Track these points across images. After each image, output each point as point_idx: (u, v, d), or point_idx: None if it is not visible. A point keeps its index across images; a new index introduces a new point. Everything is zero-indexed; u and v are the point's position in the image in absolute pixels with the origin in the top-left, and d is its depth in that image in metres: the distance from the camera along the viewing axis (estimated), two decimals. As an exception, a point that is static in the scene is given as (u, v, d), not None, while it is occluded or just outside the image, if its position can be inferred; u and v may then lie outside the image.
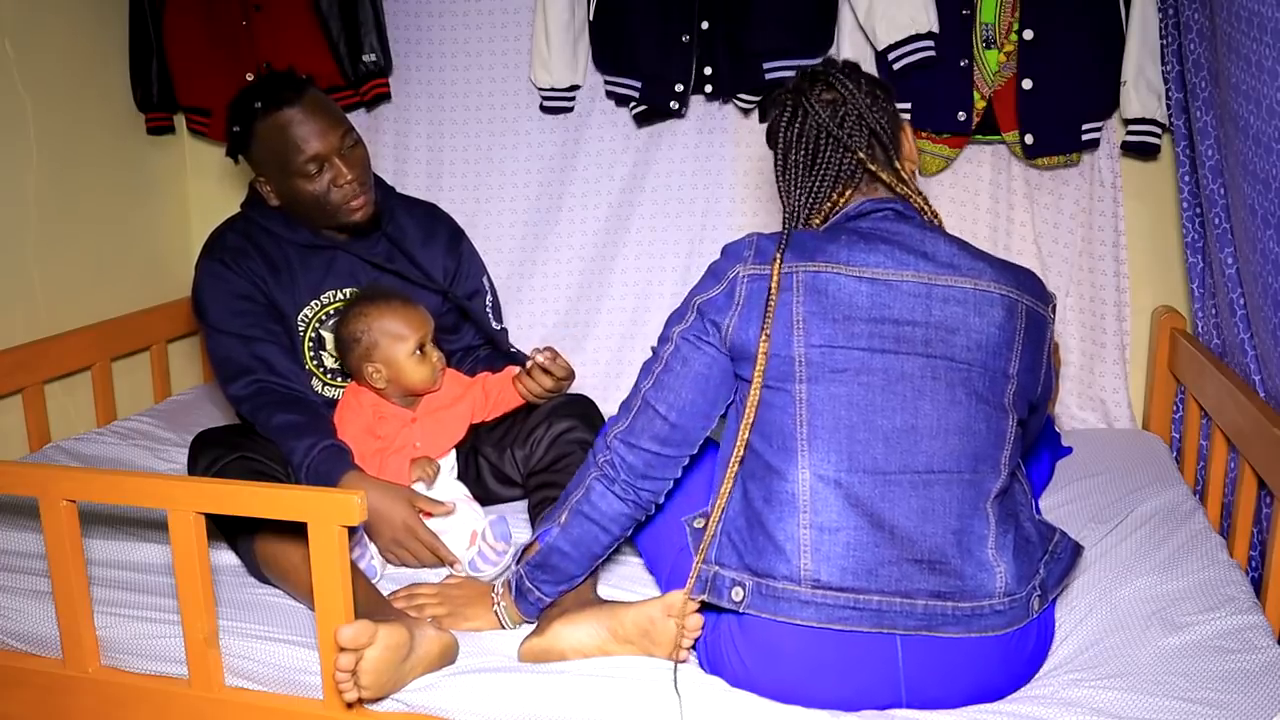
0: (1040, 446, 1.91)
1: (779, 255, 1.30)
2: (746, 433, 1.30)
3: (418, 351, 1.72)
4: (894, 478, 1.26)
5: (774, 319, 1.29)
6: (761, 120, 1.50)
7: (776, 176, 1.42)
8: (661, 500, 1.42)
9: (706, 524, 1.37)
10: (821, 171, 1.38)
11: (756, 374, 1.28)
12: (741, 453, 1.31)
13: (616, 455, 1.38)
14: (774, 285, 1.29)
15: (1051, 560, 1.32)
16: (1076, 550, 1.37)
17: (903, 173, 1.40)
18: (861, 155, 1.36)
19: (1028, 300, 1.32)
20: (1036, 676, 1.32)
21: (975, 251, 1.33)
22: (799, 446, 1.27)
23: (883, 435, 1.26)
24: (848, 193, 1.39)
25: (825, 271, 1.29)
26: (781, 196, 1.42)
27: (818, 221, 1.41)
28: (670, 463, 1.39)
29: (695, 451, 1.40)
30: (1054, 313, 1.38)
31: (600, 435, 1.43)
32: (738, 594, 1.27)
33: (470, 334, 1.99)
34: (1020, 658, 1.29)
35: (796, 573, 1.24)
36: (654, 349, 1.40)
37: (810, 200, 1.39)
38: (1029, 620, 1.27)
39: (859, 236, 1.32)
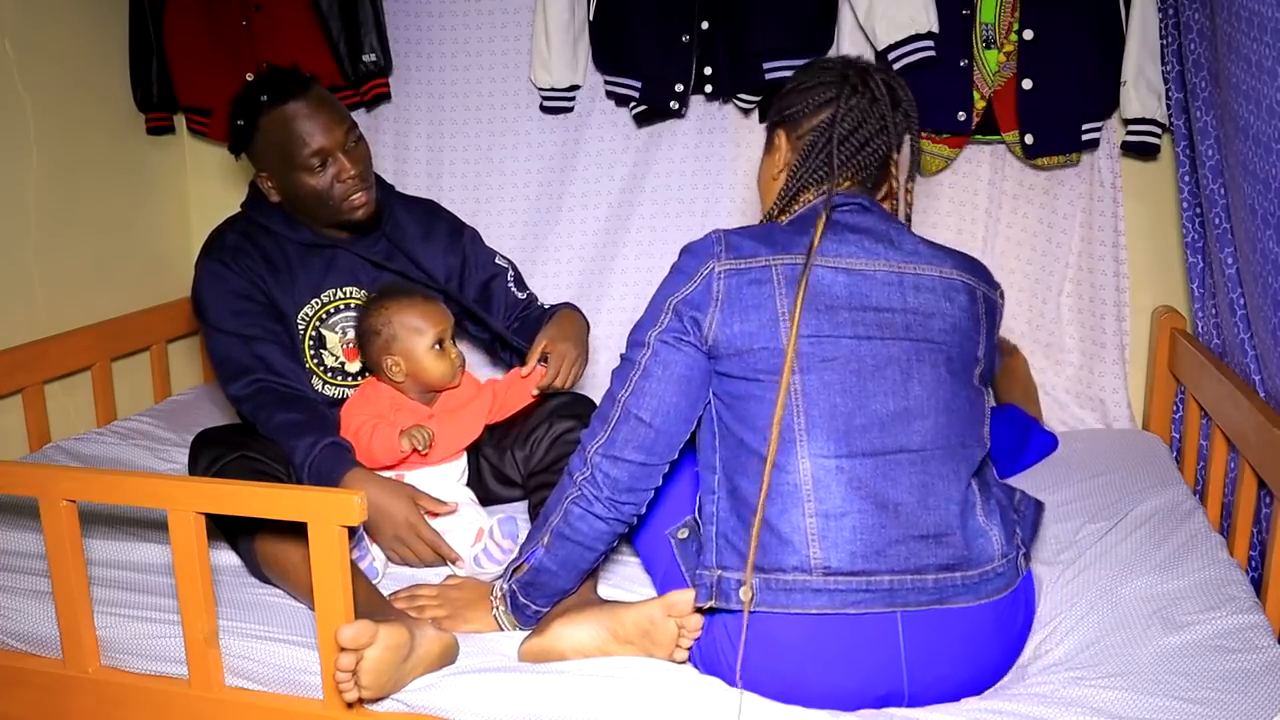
0: (1013, 424, 2.00)
1: (813, 244, 1.30)
2: (777, 427, 1.27)
3: (437, 346, 1.73)
4: (893, 458, 1.27)
5: (759, 313, 1.29)
6: (784, 89, 1.46)
7: (810, 134, 1.38)
8: (643, 512, 1.41)
9: (690, 534, 1.38)
10: (862, 157, 1.37)
11: (786, 369, 1.27)
12: (775, 448, 1.27)
13: (599, 471, 1.35)
14: (805, 276, 1.29)
15: (1020, 519, 1.38)
16: (1039, 506, 1.42)
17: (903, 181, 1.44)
18: (895, 155, 1.39)
19: (983, 287, 1.39)
20: (1036, 674, 1.32)
21: (931, 243, 1.38)
22: (797, 436, 1.27)
23: (878, 419, 1.28)
24: (846, 184, 1.39)
25: (802, 263, 1.30)
26: (802, 153, 1.39)
27: (797, 205, 1.41)
28: (653, 472, 1.37)
29: (674, 458, 1.38)
30: (1003, 299, 1.44)
31: (577, 452, 1.40)
32: (745, 594, 1.26)
33: (499, 320, 1.98)
34: (1012, 628, 1.32)
35: (806, 562, 1.25)
36: (625, 356, 1.38)
37: (820, 180, 1.37)
38: (1019, 580, 1.32)
39: (828, 227, 1.34)
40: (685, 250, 1.36)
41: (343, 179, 1.73)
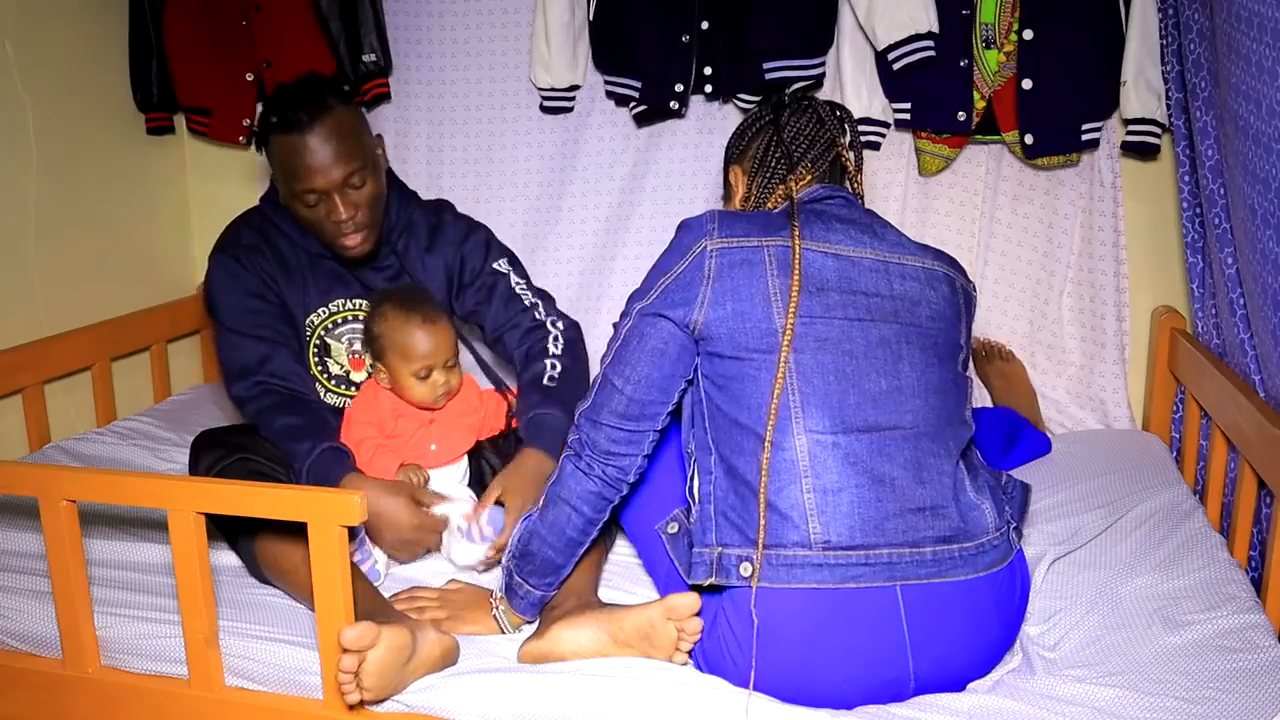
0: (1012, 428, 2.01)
1: (795, 225, 1.35)
2: (776, 403, 1.29)
3: (424, 374, 1.71)
4: (886, 434, 1.30)
5: (751, 293, 1.33)
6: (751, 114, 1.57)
7: (758, 150, 1.49)
8: (631, 479, 1.42)
9: (680, 528, 1.39)
10: (815, 150, 1.47)
11: (784, 347, 1.29)
12: (773, 425, 1.29)
13: (583, 433, 1.41)
14: (796, 250, 1.33)
15: (1008, 499, 1.41)
16: (1026, 487, 1.45)
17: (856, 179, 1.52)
18: (842, 139, 1.48)
19: (961, 279, 1.45)
20: (1038, 673, 1.32)
21: (909, 238, 1.43)
22: (792, 414, 1.29)
23: (871, 397, 1.31)
24: (808, 177, 1.45)
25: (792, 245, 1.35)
26: (755, 167, 1.49)
27: (770, 205, 1.47)
28: (633, 438, 1.39)
29: (659, 428, 1.41)
30: (976, 294, 1.51)
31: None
32: (746, 569, 1.27)
33: (492, 323, 1.92)
34: (1010, 604, 1.33)
35: (806, 538, 1.26)
36: (615, 324, 1.43)
37: (785, 176, 1.46)
38: (1014, 555, 1.34)
39: (815, 216, 1.39)
40: (682, 225, 1.42)
41: (332, 220, 1.68)
